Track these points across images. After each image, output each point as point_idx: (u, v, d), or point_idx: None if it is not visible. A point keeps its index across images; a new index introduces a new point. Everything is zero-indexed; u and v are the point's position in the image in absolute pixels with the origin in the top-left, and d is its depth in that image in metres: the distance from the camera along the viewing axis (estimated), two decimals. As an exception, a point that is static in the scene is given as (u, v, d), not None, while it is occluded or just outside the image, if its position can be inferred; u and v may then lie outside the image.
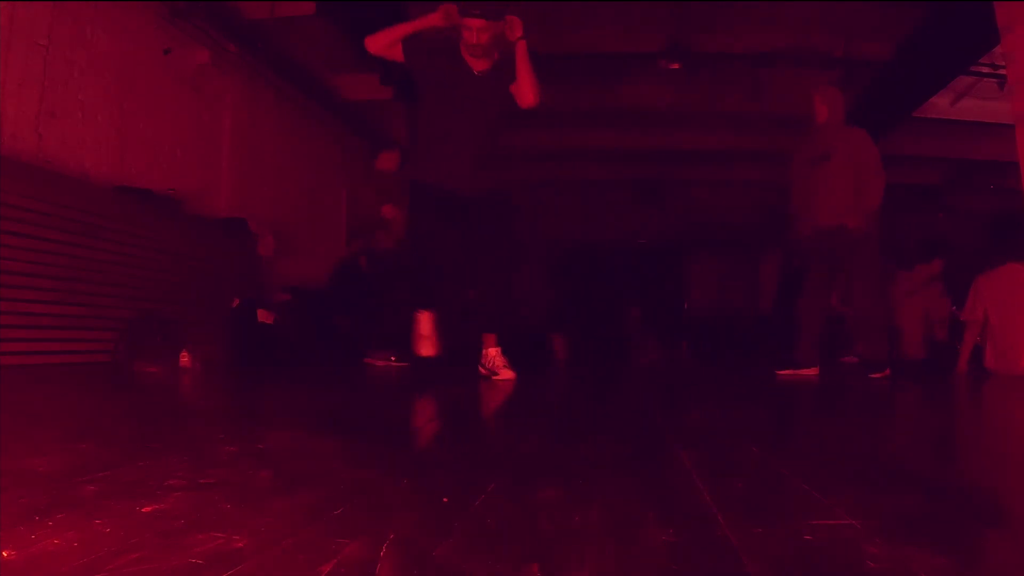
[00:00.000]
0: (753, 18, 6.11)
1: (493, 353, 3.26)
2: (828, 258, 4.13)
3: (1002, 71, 5.38)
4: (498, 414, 2.14)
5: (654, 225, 11.60)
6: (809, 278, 4.29)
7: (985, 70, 6.59)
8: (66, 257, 3.82)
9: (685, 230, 11.69)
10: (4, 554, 0.61)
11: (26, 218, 3.57)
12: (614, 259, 11.84)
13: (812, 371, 4.06)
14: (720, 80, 7.32)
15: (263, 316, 5.20)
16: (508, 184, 11.79)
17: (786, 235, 5.40)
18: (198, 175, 5.39)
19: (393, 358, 4.87)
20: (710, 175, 10.61)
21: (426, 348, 3.29)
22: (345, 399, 2.69)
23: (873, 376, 3.90)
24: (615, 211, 11.45)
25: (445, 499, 0.83)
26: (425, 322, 3.30)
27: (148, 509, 0.77)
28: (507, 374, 3.21)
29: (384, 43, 3.23)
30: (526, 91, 3.13)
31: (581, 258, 12.27)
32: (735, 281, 14.53)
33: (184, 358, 4.12)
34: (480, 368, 3.30)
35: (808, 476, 0.99)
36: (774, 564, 0.61)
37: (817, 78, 7.11)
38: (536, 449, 1.36)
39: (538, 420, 2.01)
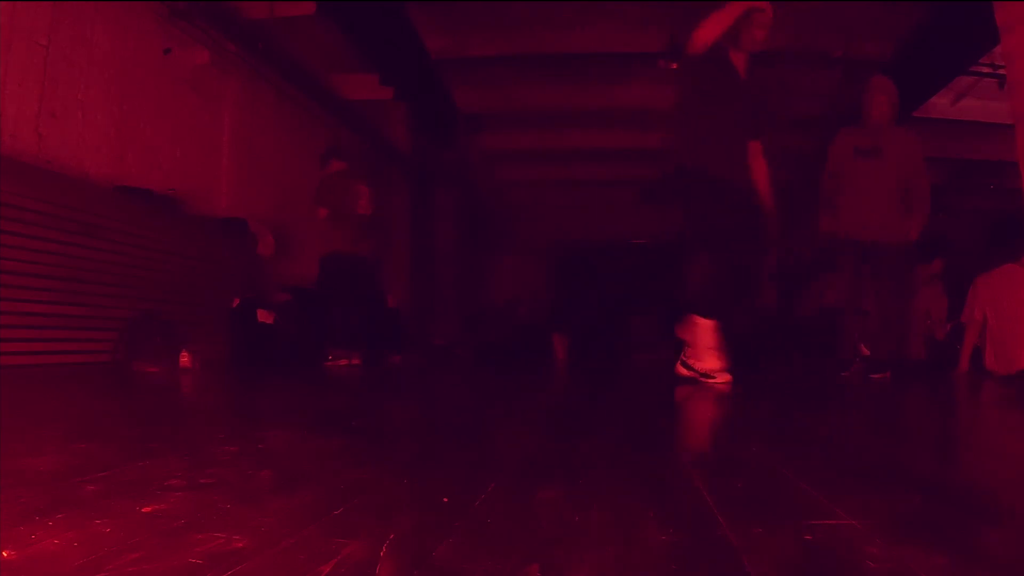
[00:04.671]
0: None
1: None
2: (868, 264, 4.09)
3: (1002, 71, 5.37)
4: (498, 414, 2.14)
5: (654, 225, 11.62)
6: (843, 283, 4.25)
7: (985, 70, 6.59)
8: (66, 257, 3.82)
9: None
10: (4, 554, 0.61)
11: (26, 218, 3.57)
12: (614, 259, 11.85)
13: (848, 372, 4.09)
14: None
15: (263, 316, 5.21)
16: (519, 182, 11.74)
17: (795, 229, 5.33)
18: (198, 175, 5.39)
19: (349, 360, 4.93)
20: (710, 175, 10.60)
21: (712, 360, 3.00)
22: (345, 399, 2.69)
23: (874, 376, 3.90)
24: (615, 211, 11.45)
25: (445, 499, 0.83)
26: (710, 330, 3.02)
27: (148, 509, 0.77)
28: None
29: None
30: None
31: (581, 258, 12.27)
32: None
33: (184, 358, 4.12)
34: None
35: (808, 476, 0.99)
36: (774, 564, 0.61)
37: (817, 78, 7.13)
38: (536, 449, 1.36)
39: (538, 420, 2.01)
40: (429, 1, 5.97)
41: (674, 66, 6.39)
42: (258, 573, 0.58)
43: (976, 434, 1.96)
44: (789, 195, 4.40)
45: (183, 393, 2.81)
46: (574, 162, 10.26)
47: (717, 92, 3.15)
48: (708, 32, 3.02)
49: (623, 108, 7.93)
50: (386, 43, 6.53)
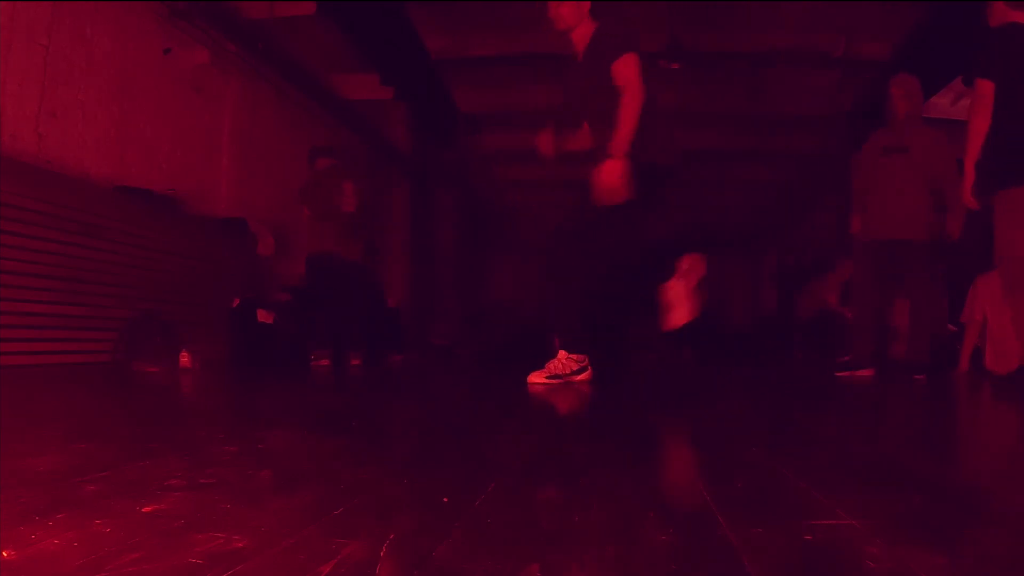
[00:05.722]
0: (753, 18, 6.11)
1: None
2: (886, 266, 4.06)
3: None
4: (498, 414, 2.14)
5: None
6: (859, 283, 4.25)
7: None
8: (66, 257, 3.82)
9: (685, 230, 11.71)
10: (4, 554, 0.61)
11: (26, 218, 3.58)
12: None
13: (867, 372, 4.06)
14: (720, 80, 7.32)
15: (263, 316, 5.20)
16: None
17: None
18: (198, 175, 5.39)
19: (330, 360, 4.91)
20: (710, 175, 10.62)
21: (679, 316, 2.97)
22: (345, 399, 2.69)
23: (916, 377, 3.89)
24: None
25: (445, 499, 0.83)
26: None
27: (148, 509, 0.77)
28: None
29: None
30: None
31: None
32: (735, 280, 14.55)
33: (184, 358, 4.12)
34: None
35: (808, 476, 0.99)
36: (774, 564, 0.61)
37: (817, 78, 7.13)
38: (536, 449, 1.36)
39: (538, 420, 2.01)
40: (429, 1, 5.97)
41: (675, 66, 6.40)
42: (258, 573, 0.58)
43: (976, 434, 1.96)
44: (789, 195, 4.41)
45: (183, 393, 2.81)
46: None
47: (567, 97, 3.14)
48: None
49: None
50: (386, 43, 6.53)
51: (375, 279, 6.05)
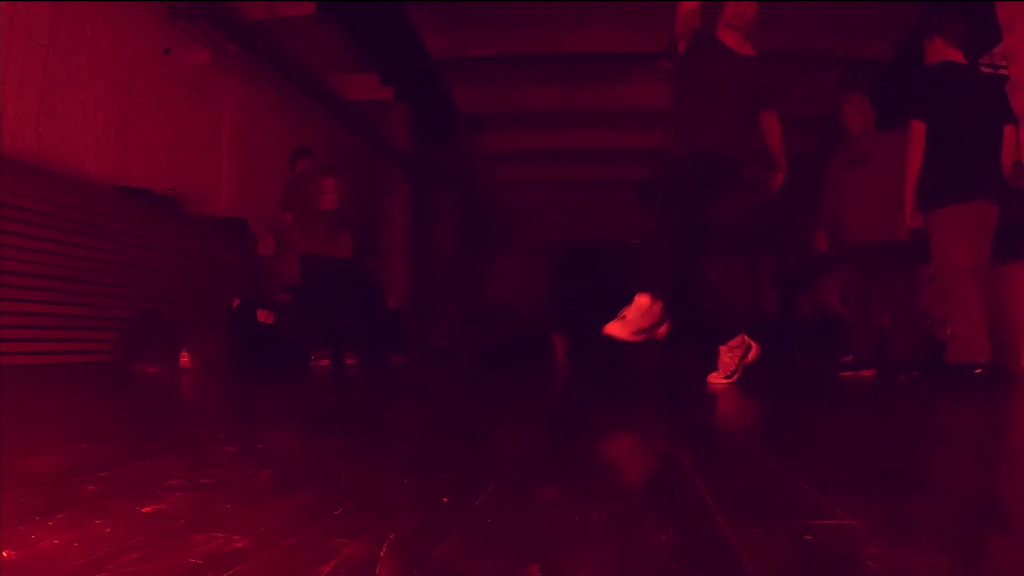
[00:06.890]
0: (753, 18, 6.10)
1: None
2: (872, 269, 4.18)
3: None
4: (498, 414, 2.14)
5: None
6: (850, 285, 4.41)
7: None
8: (66, 257, 3.82)
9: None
10: (4, 554, 0.61)
11: (26, 218, 3.58)
12: (614, 259, 11.85)
13: (869, 372, 4.13)
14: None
15: (263, 316, 5.20)
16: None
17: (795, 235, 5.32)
18: (198, 175, 5.39)
19: (330, 360, 4.90)
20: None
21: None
22: (345, 399, 2.69)
23: (914, 374, 3.94)
24: (615, 211, 11.45)
25: (445, 499, 0.83)
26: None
27: (148, 509, 0.77)
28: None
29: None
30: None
31: (581, 258, 12.27)
32: (735, 281, 14.53)
33: (184, 358, 4.13)
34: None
35: (808, 476, 0.99)
36: (774, 564, 0.61)
37: (817, 78, 7.13)
38: (536, 449, 1.36)
39: (538, 420, 2.01)
40: (429, 1, 5.97)
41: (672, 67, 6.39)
42: (258, 573, 0.58)
43: (975, 434, 1.96)
44: (789, 195, 4.42)
45: (183, 393, 2.81)
46: (574, 162, 10.26)
47: (703, 72, 3.12)
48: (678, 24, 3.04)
49: (623, 108, 7.93)
50: (386, 43, 6.53)
51: (371, 274, 6.03)
